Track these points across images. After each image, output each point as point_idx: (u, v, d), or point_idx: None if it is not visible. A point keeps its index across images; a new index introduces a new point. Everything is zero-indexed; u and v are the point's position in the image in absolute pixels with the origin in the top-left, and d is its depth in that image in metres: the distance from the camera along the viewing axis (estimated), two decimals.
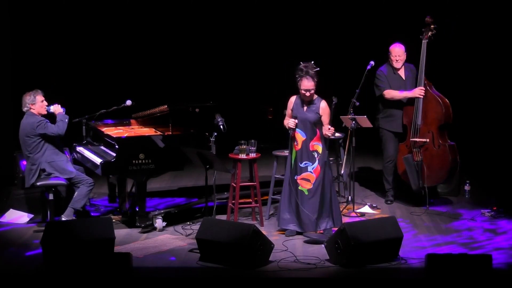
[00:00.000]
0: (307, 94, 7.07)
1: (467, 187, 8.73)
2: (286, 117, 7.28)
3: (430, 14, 8.28)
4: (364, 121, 7.99)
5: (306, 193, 7.15)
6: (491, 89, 11.20)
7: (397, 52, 8.28)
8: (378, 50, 11.38)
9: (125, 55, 11.52)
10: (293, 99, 7.25)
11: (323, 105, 7.14)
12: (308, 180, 7.15)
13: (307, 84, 7.04)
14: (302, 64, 7.07)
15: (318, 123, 7.14)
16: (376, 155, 10.32)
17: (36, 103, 7.56)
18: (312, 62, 7.11)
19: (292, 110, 7.21)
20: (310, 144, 7.14)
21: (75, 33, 11.23)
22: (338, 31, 11.74)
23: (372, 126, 8.05)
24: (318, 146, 7.16)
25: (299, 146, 7.16)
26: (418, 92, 8.08)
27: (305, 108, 7.16)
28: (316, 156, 7.14)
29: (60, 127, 7.53)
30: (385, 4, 11.55)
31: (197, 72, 11.68)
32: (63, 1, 11.01)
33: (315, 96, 7.17)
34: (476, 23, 11.26)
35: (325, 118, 7.14)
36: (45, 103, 7.61)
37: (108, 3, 11.36)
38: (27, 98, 7.58)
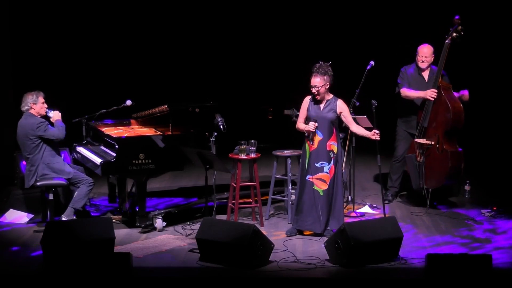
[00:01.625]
0: (313, 90, 7.08)
1: (467, 187, 8.73)
2: (299, 119, 7.26)
3: (459, 15, 8.14)
4: (364, 121, 7.98)
5: (321, 193, 7.15)
6: (491, 90, 11.20)
7: (424, 52, 8.19)
8: (378, 50, 11.45)
9: (125, 55, 11.52)
10: (307, 99, 7.24)
11: (339, 103, 7.16)
12: (324, 181, 7.15)
13: (313, 80, 7.07)
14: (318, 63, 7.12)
15: (335, 122, 7.16)
16: (376, 155, 10.30)
17: (37, 104, 7.56)
18: (330, 62, 7.13)
19: (307, 111, 7.20)
20: (327, 144, 7.14)
21: (75, 33, 11.23)
22: (338, 31, 11.74)
23: (372, 126, 8.04)
24: (334, 146, 7.17)
25: (315, 146, 7.15)
26: (429, 93, 7.99)
27: (322, 107, 7.16)
28: (332, 156, 7.15)
29: (61, 131, 7.54)
30: (386, 4, 11.58)
31: (197, 72, 11.68)
32: (63, 1, 11.02)
33: (331, 96, 7.19)
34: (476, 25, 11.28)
35: (347, 114, 7.19)
36: (46, 105, 7.62)
37: (108, 3, 11.37)
38: (29, 98, 7.57)
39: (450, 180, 8.11)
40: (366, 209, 8.22)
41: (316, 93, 7.10)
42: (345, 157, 8.55)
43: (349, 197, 8.22)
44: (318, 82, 7.06)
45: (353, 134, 7.98)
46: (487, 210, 7.98)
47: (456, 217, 7.92)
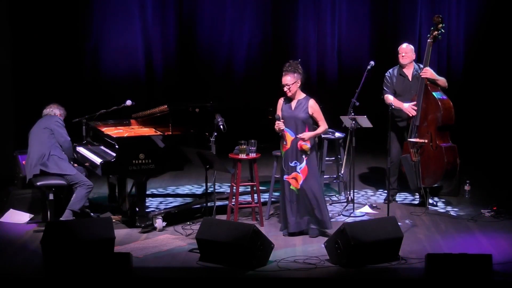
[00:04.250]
0: (285, 89, 7.05)
1: (467, 187, 8.72)
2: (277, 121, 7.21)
3: (438, 14, 8.23)
4: (364, 121, 7.98)
5: (297, 193, 7.12)
6: (491, 89, 11.21)
7: (404, 49, 8.23)
8: (378, 50, 11.46)
9: (125, 55, 11.53)
10: (281, 100, 7.21)
11: (311, 103, 7.09)
12: (297, 180, 7.11)
13: (283, 79, 7.05)
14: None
15: (307, 122, 7.10)
16: (376, 155, 10.33)
17: (61, 114, 7.84)
18: (299, 60, 7.11)
19: (281, 111, 7.15)
20: (298, 143, 7.08)
21: (76, 32, 11.23)
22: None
23: (372, 126, 8.04)
24: (306, 146, 7.09)
25: (288, 146, 7.11)
26: (409, 109, 8.04)
27: (293, 106, 7.11)
28: (304, 156, 7.10)
29: (69, 144, 7.72)
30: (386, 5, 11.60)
31: (197, 72, 11.68)
32: (63, 1, 11.03)
33: (303, 95, 7.13)
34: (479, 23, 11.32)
35: (317, 115, 7.11)
36: None
37: (108, 2, 11.38)
38: (61, 110, 7.86)
39: (448, 177, 8.11)
40: (366, 209, 8.21)
41: (287, 91, 7.06)
42: (345, 157, 8.55)
43: (349, 197, 8.21)
44: (289, 80, 7.03)
45: (353, 134, 7.99)
46: (487, 210, 7.98)
47: (456, 217, 7.92)
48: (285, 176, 7.17)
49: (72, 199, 7.55)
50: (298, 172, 7.11)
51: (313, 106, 7.10)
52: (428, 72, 8.03)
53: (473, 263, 5.91)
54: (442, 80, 8.14)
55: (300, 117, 7.08)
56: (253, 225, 6.48)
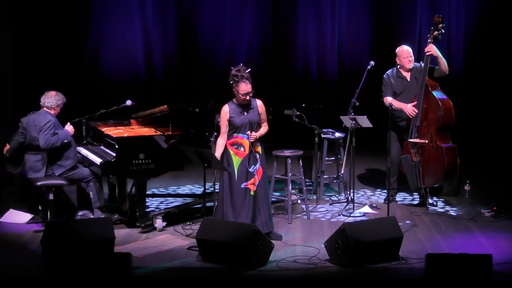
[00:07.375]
0: (247, 97, 6.92)
1: (467, 187, 8.72)
2: (222, 131, 7.03)
3: (439, 14, 8.22)
4: (364, 121, 7.98)
5: (254, 195, 7.02)
6: (491, 89, 11.21)
7: (409, 52, 8.19)
8: (378, 50, 11.46)
9: (123, 54, 11.53)
10: (227, 108, 7.01)
11: (260, 103, 7.04)
12: (254, 184, 7.02)
13: (245, 87, 6.87)
14: (234, 70, 6.91)
15: (259, 123, 7.06)
16: (376, 155, 10.33)
17: (60, 107, 7.67)
18: (241, 64, 6.99)
19: (232, 118, 6.98)
20: (254, 146, 7.03)
21: (76, 32, 11.23)
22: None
23: (372, 126, 8.04)
24: (259, 147, 7.06)
25: (247, 151, 7.01)
26: (410, 110, 8.03)
27: (246, 112, 7.02)
28: (258, 157, 7.04)
29: (50, 140, 7.47)
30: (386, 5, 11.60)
31: (197, 72, 11.69)
32: (63, 1, 11.03)
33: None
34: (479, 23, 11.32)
35: (264, 115, 7.08)
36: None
37: (108, 3, 11.39)
38: (59, 99, 7.63)
39: (448, 177, 8.10)
40: (366, 209, 8.21)
41: (248, 98, 6.94)
42: (345, 157, 8.55)
43: (349, 197, 8.21)
44: (250, 88, 6.89)
45: (353, 134, 7.99)
46: (487, 210, 7.98)
47: (456, 217, 7.92)
48: (244, 184, 7.02)
49: (91, 198, 7.64)
50: (256, 176, 7.02)
51: (262, 106, 7.04)
52: (432, 49, 7.99)
53: (473, 263, 5.91)
54: (443, 62, 8.08)
55: (256, 120, 7.00)
56: (253, 225, 6.48)
